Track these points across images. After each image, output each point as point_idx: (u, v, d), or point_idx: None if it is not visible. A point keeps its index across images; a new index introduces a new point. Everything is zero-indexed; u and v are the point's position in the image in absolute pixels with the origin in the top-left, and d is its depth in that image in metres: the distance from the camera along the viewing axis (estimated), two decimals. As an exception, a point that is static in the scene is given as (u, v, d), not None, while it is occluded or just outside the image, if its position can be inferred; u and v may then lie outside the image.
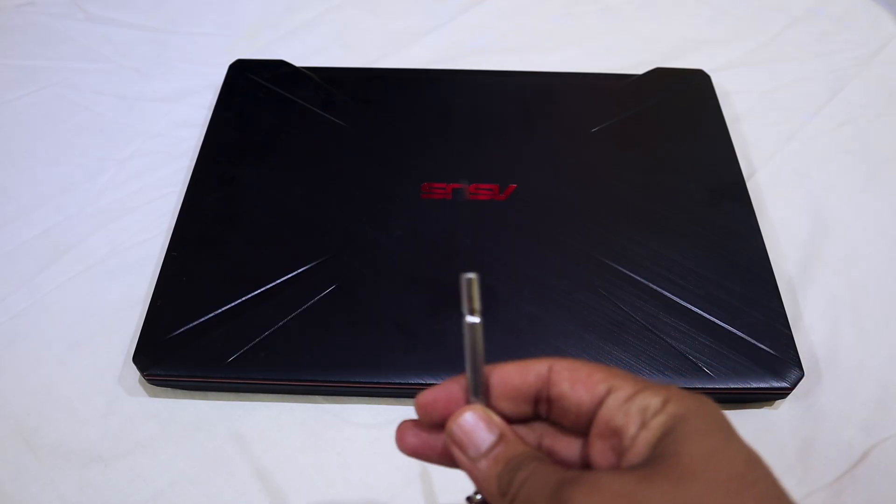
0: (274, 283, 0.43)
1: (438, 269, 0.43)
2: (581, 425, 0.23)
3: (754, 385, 0.39)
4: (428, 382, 0.40)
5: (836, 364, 0.42)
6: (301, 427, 0.40)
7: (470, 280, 0.24)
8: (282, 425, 0.40)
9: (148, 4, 0.65)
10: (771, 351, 0.40)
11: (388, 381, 0.40)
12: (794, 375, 0.39)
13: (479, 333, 0.24)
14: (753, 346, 0.40)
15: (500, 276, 0.43)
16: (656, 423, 0.21)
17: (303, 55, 0.59)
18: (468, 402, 0.25)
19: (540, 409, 0.25)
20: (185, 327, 0.41)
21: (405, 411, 0.40)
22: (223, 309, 0.41)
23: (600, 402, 0.23)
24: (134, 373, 0.41)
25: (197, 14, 0.65)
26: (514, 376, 0.24)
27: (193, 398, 0.41)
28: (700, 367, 0.39)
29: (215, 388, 0.41)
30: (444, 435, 0.24)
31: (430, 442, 0.25)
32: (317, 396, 0.41)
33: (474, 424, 0.24)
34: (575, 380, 0.23)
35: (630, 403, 0.22)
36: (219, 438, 0.39)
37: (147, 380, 0.40)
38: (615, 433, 0.22)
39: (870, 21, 0.64)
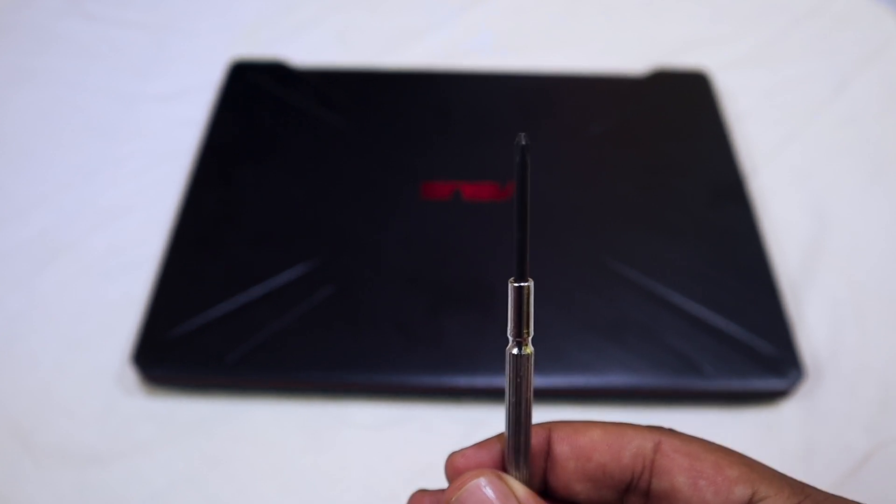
0: (274, 284, 0.42)
1: (438, 269, 0.43)
2: None
3: (754, 385, 0.39)
4: (428, 383, 0.39)
5: (838, 365, 0.42)
6: (301, 427, 0.40)
7: (521, 289, 0.17)
8: (282, 425, 0.40)
9: (147, 3, 0.65)
10: (771, 351, 0.40)
11: (388, 381, 0.39)
12: (794, 375, 0.39)
13: (528, 369, 0.17)
14: (754, 346, 0.40)
15: (500, 276, 0.43)
16: None
17: (302, 54, 0.58)
18: (509, 467, 0.18)
19: (630, 503, 0.18)
20: (185, 327, 0.41)
21: (405, 411, 0.40)
22: (223, 309, 0.41)
23: None
24: (132, 373, 0.41)
25: (196, 13, 0.65)
26: (602, 449, 0.17)
27: (192, 398, 0.41)
28: (700, 368, 0.39)
29: (215, 388, 0.41)
30: None
31: None
32: (317, 396, 0.41)
33: (480, 499, 0.16)
34: (697, 473, 0.16)
35: None
36: (218, 438, 0.39)
37: (147, 380, 0.40)
38: None
39: (872, 20, 0.64)
